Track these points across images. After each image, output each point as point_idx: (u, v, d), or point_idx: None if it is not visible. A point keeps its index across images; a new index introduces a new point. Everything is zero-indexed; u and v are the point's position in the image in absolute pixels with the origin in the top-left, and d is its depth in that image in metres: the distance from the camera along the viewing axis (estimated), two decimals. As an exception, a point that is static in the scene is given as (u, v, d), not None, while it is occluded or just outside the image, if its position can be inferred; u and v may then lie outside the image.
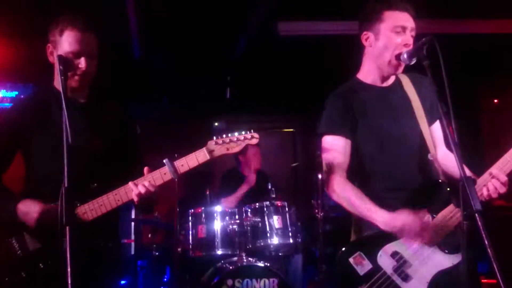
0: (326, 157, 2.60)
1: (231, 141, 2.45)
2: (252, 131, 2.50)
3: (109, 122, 2.59)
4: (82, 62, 2.41)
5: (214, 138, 2.45)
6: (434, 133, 2.62)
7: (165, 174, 2.39)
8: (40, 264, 2.33)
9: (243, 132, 2.49)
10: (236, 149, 2.46)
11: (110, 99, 2.68)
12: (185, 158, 2.40)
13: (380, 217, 2.37)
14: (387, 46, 2.51)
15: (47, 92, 2.57)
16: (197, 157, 2.40)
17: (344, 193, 2.49)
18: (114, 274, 2.63)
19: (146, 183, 2.35)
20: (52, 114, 2.48)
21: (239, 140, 2.46)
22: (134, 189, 2.34)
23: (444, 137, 2.60)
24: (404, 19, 2.51)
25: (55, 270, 2.27)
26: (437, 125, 2.64)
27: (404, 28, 2.48)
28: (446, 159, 2.59)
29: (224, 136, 2.47)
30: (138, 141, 2.73)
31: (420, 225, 2.31)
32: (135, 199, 2.36)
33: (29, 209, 2.33)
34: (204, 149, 2.42)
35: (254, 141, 2.50)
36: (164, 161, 2.39)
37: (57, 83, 2.53)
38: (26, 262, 2.34)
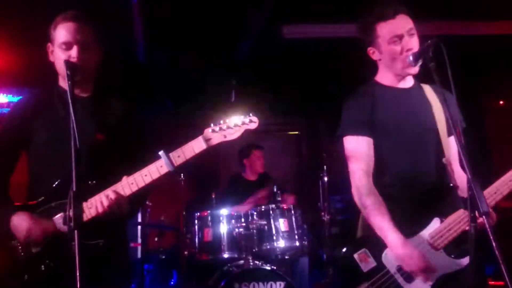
0: (352, 159, 2.54)
1: (228, 127, 2.29)
2: (251, 114, 2.32)
3: (113, 118, 2.52)
4: (74, 52, 2.36)
5: (212, 125, 2.30)
6: (452, 147, 2.55)
7: (161, 167, 2.28)
8: (42, 266, 2.30)
9: (241, 117, 2.31)
10: (234, 135, 2.30)
11: (116, 95, 2.63)
12: (181, 148, 2.29)
13: (392, 240, 2.33)
14: (392, 57, 2.50)
15: (50, 91, 2.55)
16: (193, 147, 2.28)
17: (366, 200, 2.44)
18: (119, 277, 2.49)
19: (112, 195, 2.25)
20: (55, 112, 2.46)
21: (236, 125, 2.30)
22: (104, 201, 2.24)
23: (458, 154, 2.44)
24: (397, 26, 2.46)
25: (56, 271, 2.27)
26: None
27: (400, 36, 2.46)
28: (459, 179, 2.50)
29: (221, 122, 2.30)
30: (142, 140, 2.60)
31: (422, 266, 2.27)
32: (100, 210, 2.26)
33: (19, 223, 2.30)
34: (200, 137, 2.29)
35: (253, 125, 2.32)
36: (160, 153, 2.27)
37: (61, 81, 2.54)
38: (29, 264, 2.30)
